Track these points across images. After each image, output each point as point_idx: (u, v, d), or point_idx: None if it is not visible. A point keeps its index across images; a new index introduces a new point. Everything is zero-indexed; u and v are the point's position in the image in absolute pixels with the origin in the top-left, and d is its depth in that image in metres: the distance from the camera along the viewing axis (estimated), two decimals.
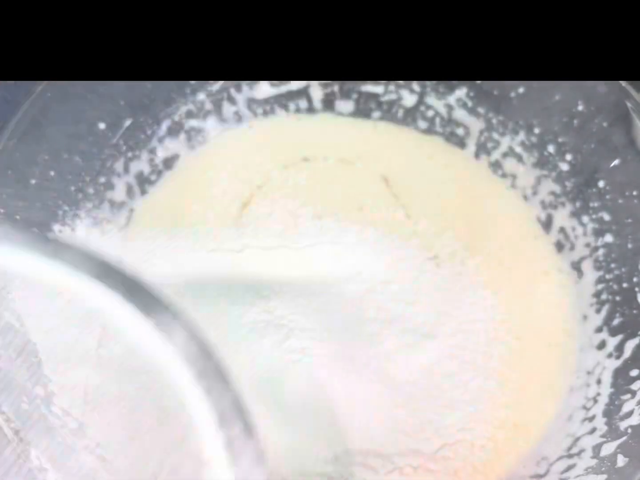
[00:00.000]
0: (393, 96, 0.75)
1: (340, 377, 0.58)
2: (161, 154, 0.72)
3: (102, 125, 0.65)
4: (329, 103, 0.76)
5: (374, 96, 0.75)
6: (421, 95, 0.74)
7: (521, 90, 0.68)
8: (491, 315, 0.64)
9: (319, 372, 0.58)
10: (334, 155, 0.74)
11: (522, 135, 0.70)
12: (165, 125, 0.71)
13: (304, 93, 0.76)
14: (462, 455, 0.57)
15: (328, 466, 0.56)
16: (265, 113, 0.76)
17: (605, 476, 0.51)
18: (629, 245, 0.61)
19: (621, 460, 0.51)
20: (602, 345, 0.61)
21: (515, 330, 0.63)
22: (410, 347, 0.61)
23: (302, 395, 0.57)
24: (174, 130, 0.72)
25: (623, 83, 0.59)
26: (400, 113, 0.76)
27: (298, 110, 0.76)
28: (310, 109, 0.77)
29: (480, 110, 0.72)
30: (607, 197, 0.63)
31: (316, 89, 0.75)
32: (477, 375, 0.61)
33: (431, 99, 0.74)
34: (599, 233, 0.64)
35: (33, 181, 0.58)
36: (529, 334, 0.63)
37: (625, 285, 0.61)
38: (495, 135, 0.72)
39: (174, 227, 0.68)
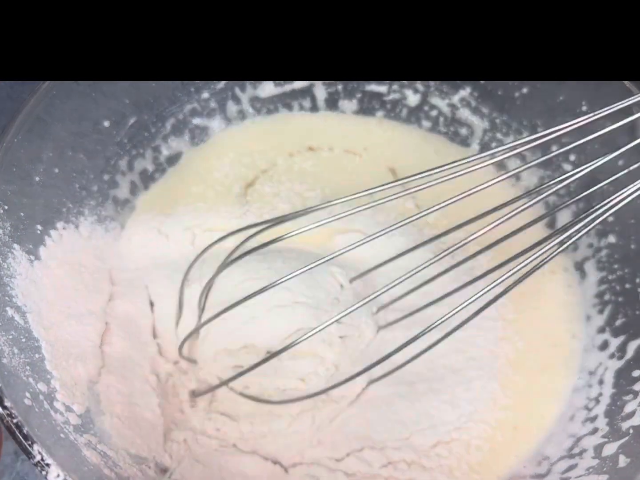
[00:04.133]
0: (397, 96, 0.75)
1: (348, 357, 0.59)
2: (165, 152, 0.72)
3: (106, 123, 0.65)
4: (332, 102, 0.77)
5: (378, 95, 0.75)
6: (425, 95, 0.74)
7: (525, 90, 0.68)
8: (502, 314, 0.64)
9: (327, 351, 0.59)
10: (340, 146, 0.73)
11: (525, 135, 0.70)
12: (169, 124, 0.71)
13: (307, 92, 0.76)
14: (457, 454, 0.57)
15: (325, 452, 0.56)
16: (269, 112, 0.76)
17: (606, 476, 0.51)
18: (632, 246, 0.61)
19: (623, 461, 0.51)
20: (604, 346, 0.61)
21: (523, 330, 0.63)
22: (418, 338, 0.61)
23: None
24: (178, 129, 0.72)
25: (627, 84, 0.59)
26: (404, 112, 0.76)
27: (302, 109, 0.77)
28: (314, 108, 0.77)
29: (484, 110, 0.72)
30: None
31: (320, 88, 0.76)
32: (481, 375, 0.61)
33: (435, 99, 0.74)
34: (602, 234, 0.64)
35: (37, 178, 0.58)
36: (536, 335, 0.63)
37: (628, 286, 0.61)
38: (499, 135, 0.72)
39: (172, 207, 0.69)
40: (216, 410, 0.59)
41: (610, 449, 0.53)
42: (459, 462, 0.57)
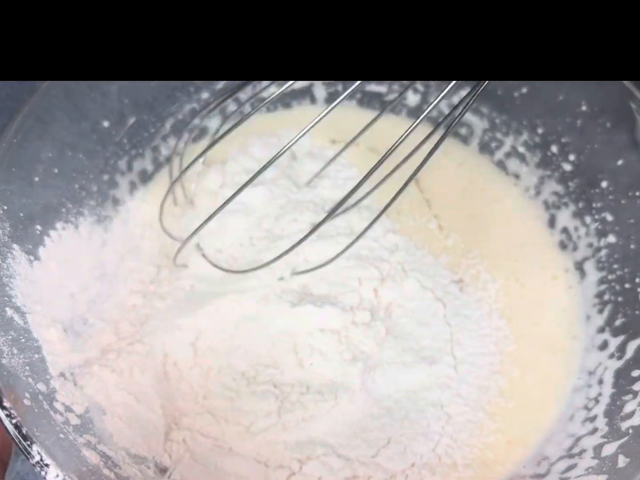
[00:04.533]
0: (396, 95, 0.75)
1: (336, 363, 0.59)
2: (165, 152, 0.72)
3: (106, 123, 0.65)
4: (332, 102, 0.76)
5: (378, 95, 0.75)
6: (424, 95, 0.74)
7: (524, 90, 0.67)
8: (501, 348, 0.63)
9: (315, 356, 0.60)
10: (364, 143, 0.72)
11: (525, 135, 0.70)
12: (168, 124, 0.71)
13: (307, 92, 0.76)
14: (441, 473, 0.56)
15: (286, 451, 0.56)
16: (269, 111, 0.76)
17: (606, 476, 0.51)
18: (632, 246, 0.61)
19: (622, 461, 0.51)
20: (604, 346, 0.61)
21: (522, 357, 0.62)
22: (405, 366, 0.60)
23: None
24: (177, 129, 0.72)
25: (627, 84, 0.59)
26: (404, 112, 0.76)
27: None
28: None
29: (484, 109, 0.72)
30: (610, 197, 0.62)
31: (319, 88, 0.75)
32: (466, 411, 0.60)
33: (435, 98, 0.74)
34: (601, 233, 0.64)
35: (37, 178, 0.58)
36: (536, 352, 0.63)
37: (627, 285, 0.61)
38: (499, 135, 0.72)
39: None
40: (202, 405, 0.59)
41: (609, 449, 0.53)
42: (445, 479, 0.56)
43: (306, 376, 0.60)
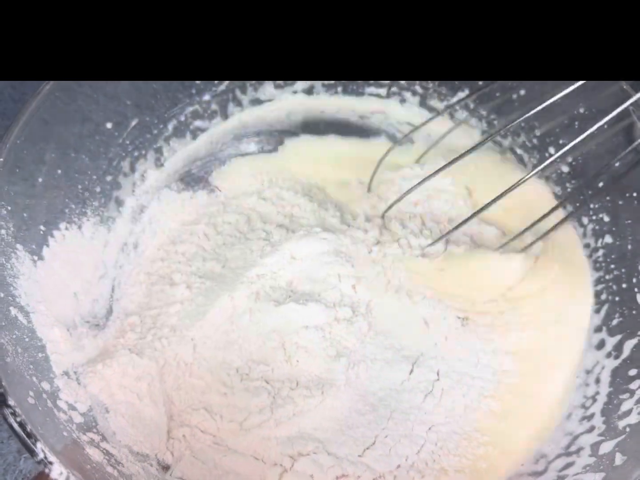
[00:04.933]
0: (396, 98, 0.75)
1: (321, 359, 0.60)
2: (167, 153, 0.72)
3: (108, 125, 0.66)
4: None
5: (377, 97, 0.76)
6: (423, 97, 0.75)
7: (522, 92, 0.68)
8: (499, 379, 0.62)
9: (300, 353, 0.61)
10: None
11: (523, 137, 0.70)
12: (171, 125, 0.72)
13: (307, 94, 0.76)
14: (432, 476, 0.56)
15: (278, 447, 0.56)
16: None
17: (603, 474, 0.51)
18: (629, 246, 0.61)
19: (619, 459, 0.51)
20: (601, 345, 0.61)
21: (522, 382, 0.61)
22: (387, 363, 0.61)
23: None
24: (179, 130, 0.72)
25: (624, 85, 0.59)
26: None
27: None
28: None
29: (482, 111, 0.72)
30: (607, 198, 0.63)
31: (319, 91, 0.76)
32: (449, 422, 0.59)
33: (434, 101, 0.74)
34: (598, 234, 0.64)
35: (40, 179, 0.59)
36: (537, 375, 0.62)
37: (624, 285, 0.61)
38: (497, 137, 0.72)
39: None
40: (200, 401, 0.59)
41: (606, 447, 0.53)
42: None
43: (294, 372, 0.60)
